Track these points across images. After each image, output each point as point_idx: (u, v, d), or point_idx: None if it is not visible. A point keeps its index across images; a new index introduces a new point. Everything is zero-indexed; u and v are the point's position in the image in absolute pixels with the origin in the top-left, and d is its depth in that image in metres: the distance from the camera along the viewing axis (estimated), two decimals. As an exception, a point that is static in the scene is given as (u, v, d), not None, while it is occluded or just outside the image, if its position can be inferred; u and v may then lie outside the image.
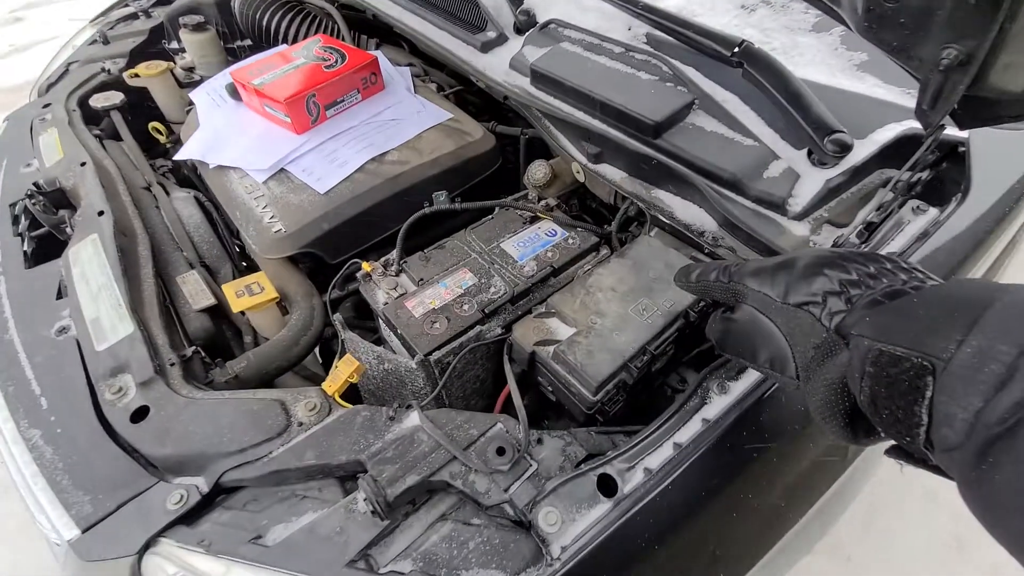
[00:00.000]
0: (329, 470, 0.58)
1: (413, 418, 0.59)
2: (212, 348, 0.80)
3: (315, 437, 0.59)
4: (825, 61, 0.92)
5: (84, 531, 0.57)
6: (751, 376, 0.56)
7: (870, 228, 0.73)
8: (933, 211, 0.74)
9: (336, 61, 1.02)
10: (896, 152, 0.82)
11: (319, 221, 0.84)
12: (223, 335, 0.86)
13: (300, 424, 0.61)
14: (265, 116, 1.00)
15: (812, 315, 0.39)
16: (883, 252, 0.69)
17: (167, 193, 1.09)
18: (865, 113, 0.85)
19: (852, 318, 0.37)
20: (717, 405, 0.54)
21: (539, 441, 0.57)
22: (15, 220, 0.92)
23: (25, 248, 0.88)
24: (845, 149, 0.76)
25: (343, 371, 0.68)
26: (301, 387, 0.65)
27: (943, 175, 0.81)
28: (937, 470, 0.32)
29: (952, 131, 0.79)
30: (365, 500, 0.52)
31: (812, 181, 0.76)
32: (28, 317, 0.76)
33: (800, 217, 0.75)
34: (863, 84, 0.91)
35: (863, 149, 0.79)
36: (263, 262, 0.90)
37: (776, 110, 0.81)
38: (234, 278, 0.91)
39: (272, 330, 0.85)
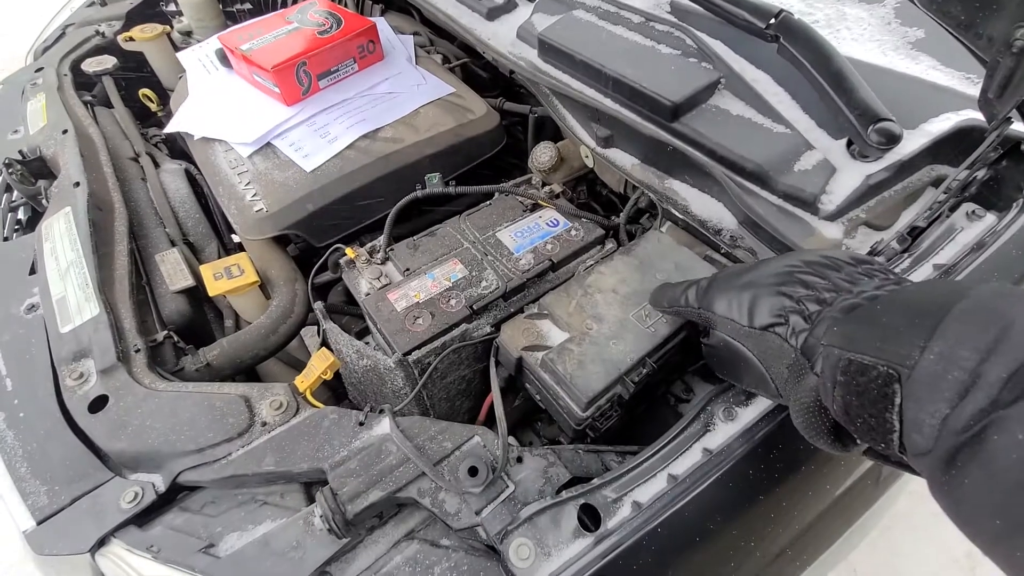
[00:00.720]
0: (290, 477, 0.53)
1: (384, 425, 0.54)
2: (189, 332, 0.76)
3: (277, 440, 0.54)
4: (875, 37, 0.81)
5: (39, 523, 0.54)
6: (762, 403, 0.49)
7: (914, 234, 0.64)
8: (990, 217, 0.64)
9: (331, 27, 0.95)
10: (951, 147, 0.72)
11: (303, 201, 0.79)
12: (203, 318, 0.82)
13: (263, 424, 0.56)
14: (254, 85, 0.94)
15: (779, 336, 0.40)
16: (932, 261, 0.61)
17: (156, 165, 1.04)
18: (917, 99, 0.74)
19: (820, 330, 0.37)
20: (722, 433, 0.47)
21: (519, 459, 0.51)
22: (-4, 189, 0.89)
23: (1, 218, 0.84)
24: (892, 140, 0.66)
25: (316, 366, 0.63)
26: (269, 383, 0.60)
27: (1003, 175, 0.71)
28: (911, 469, 0.33)
29: (1018, 125, 0.69)
30: (321, 517, 0.47)
31: (850, 176, 0.67)
32: (0, 292, 0.73)
33: (833, 217, 0.66)
34: (917, 65, 0.80)
35: (912, 141, 0.69)
36: (246, 242, 0.85)
37: (814, 93, 0.71)
38: (220, 258, 0.87)
39: (255, 315, 0.81)
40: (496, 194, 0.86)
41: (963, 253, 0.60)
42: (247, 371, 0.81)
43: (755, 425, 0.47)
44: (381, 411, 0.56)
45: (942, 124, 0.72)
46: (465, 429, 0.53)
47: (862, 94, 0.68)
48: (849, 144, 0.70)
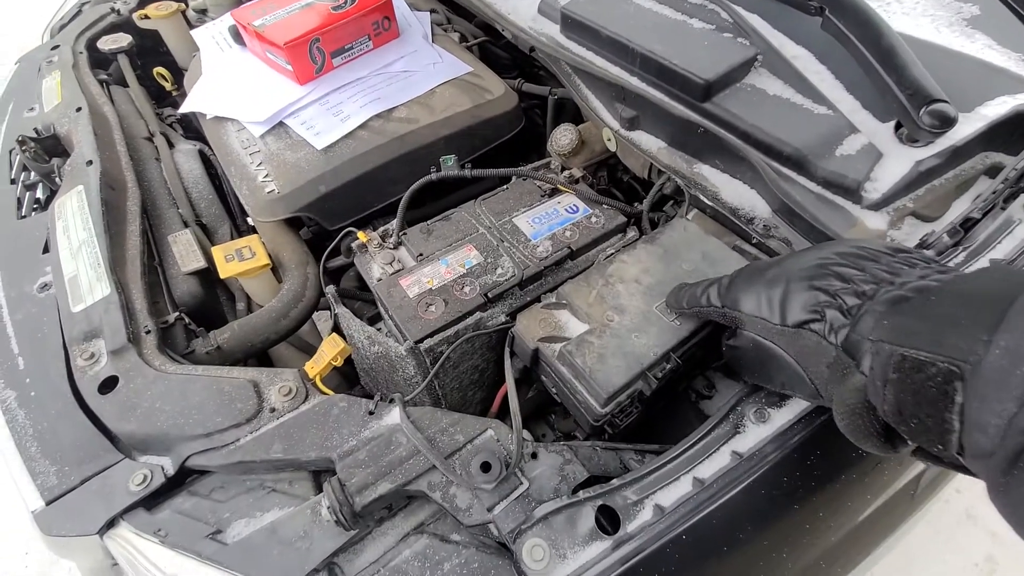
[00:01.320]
0: (299, 464, 0.52)
1: (394, 416, 0.52)
2: (201, 314, 0.75)
3: (285, 427, 0.53)
4: (928, 12, 0.75)
5: (48, 503, 0.54)
6: (797, 405, 0.46)
7: (967, 226, 0.59)
8: (1053, 208, 0.59)
9: (346, 2, 0.91)
10: (1007, 132, 0.66)
11: (315, 183, 0.76)
12: (214, 301, 0.81)
13: (272, 410, 0.55)
14: (267, 63, 0.92)
15: (816, 333, 0.38)
16: (988, 256, 0.56)
17: (171, 145, 1.03)
18: (972, 80, 0.69)
19: (865, 325, 0.35)
20: (752, 436, 0.44)
21: (534, 455, 0.49)
22: (12, 167, 0.89)
23: (19, 196, 0.84)
24: (946, 124, 0.61)
25: (327, 352, 0.62)
26: (279, 368, 0.58)
27: (1067, 163, 0.65)
28: (965, 470, 0.31)
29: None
30: (329, 508, 0.46)
31: (898, 162, 0.62)
32: (14, 271, 0.73)
33: (878, 206, 0.61)
34: (972, 44, 0.74)
35: (967, 126, 0.64)
36: (259, 224, 0.83)
37: (860, 71, 0.66)
38: (232, 239, 0.86)
39: (267, 298, 0.80)
40: (513, 178, 0.83)
41: (1022, 248, 0.55)
42: (258, 355, 0.80)
43: (790, 428, 0.44)
44: (391, 400, 0.54)
45: (998, 108, 0.66)
46: (478, 422, 0.51)
47: (914, 72, 0.62)
48: (897, 127, 0.65)
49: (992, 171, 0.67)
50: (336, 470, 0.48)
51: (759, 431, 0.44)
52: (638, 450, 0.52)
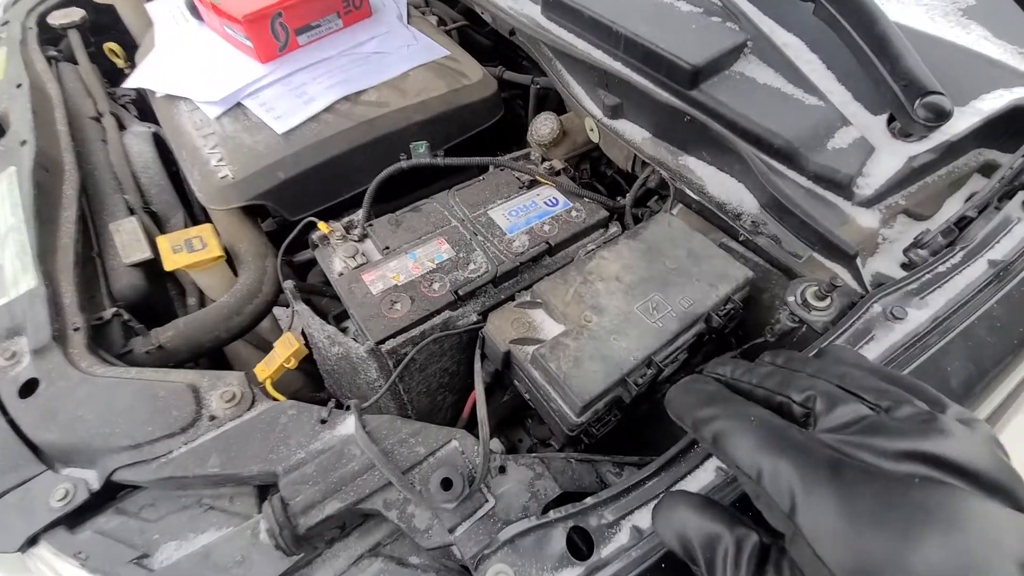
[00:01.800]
0: (239, 480, 0.47)
1: (348, 425, 0.47)
2: (146, 310, 0.69)
3: (225, 438, 0.47)
4: (922, 1, 0.72)
5: (-37, 518, 0.48)
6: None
7: (961, 224, 0.56)
8: (1050, 207, 0.57)
9: (313, -24, 0.85)
10: (1002, 128, 0.64)
11: (274, 168, 0.71)
12: (162, 296, 0.74)
13: (212, 419, 0.49)
14: (226, 39, 0.85)
15: None
16: (987, 256, 0.53)
17: (122, 127, 0.95)
18: (967, 73, 0.66)
19: None
20: (739, 449, 0.40)
21: (502, 469, 0.44)
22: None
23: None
24: (941, 117, 0.58)
25: (279, 354, 0.56)
26: (224, 372, 0.53)
27: (1062, 161, 0.63)
28: None
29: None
30: (268, 531, 0.40)
31: (891, 157, 0.59)
32: (-67, 259, 0.65)
33: (870, 203, 0.58)
34: (967, 35, 0.71)
35: (961, 120, 0.61)
36: (214, 214, 0.77)
37: (852, 61, 0.63)
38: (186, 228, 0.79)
39: (221, 293, 0.73)
40: (490, 168, 0.78)
41: (1021, 248, 0.52)
42: (211, 355, 0.74)
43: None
44: (347, 408, 0.49)
45: (994, 102, 0.64)
46: (442, 432, 0.47)
47: (909, 63, 0.59)
48: (890, 121, 0.62)
49: (985, 169, 0.65)
50: (279, 487, 0.43)
51: (746, 444, 0.40)
52: (616, 462, 0.48)
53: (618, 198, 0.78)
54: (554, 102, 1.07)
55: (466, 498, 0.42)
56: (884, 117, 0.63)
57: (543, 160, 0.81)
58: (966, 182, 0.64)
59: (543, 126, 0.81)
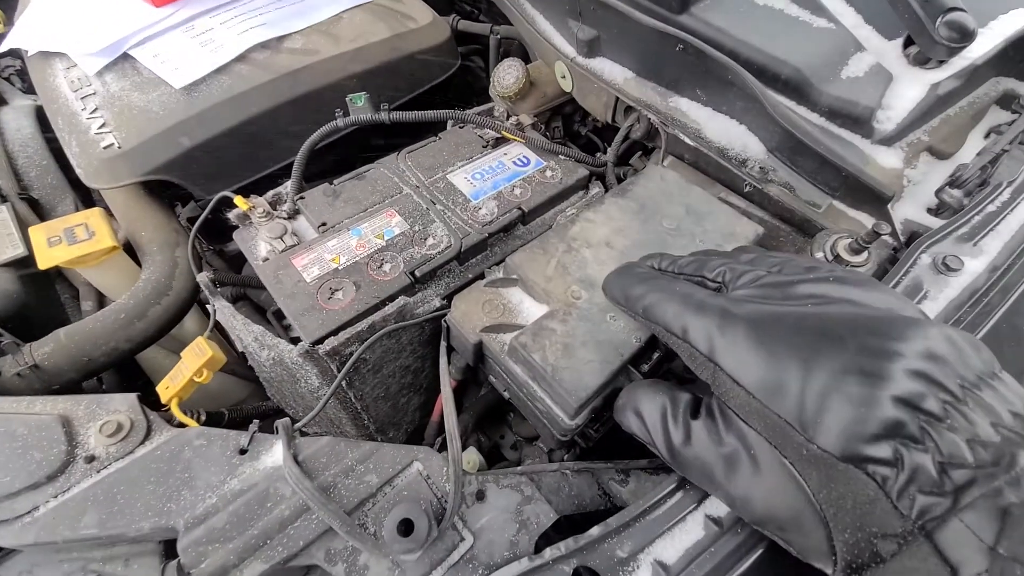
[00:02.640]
0: (128, 541, 0.35)
1: (276, 454, 0.36)
2: (22, 321, 0.55)
3: (106, 486, 0.35)
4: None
5: None
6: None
7: (996, 162, 0.49)
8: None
9: (214, -103, 0.69)
10: (1021, 51, 0.57)
11: (174, 133, 0.56)
12: (47, 300, 0.60)
13: (90, 460, 0.37)
14: (109, -22, 0.68)
15: (875, 483, 0.23)
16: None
17: (3, 101, 0.78)
18: (984, -10, 0.58)
19: (983, 519, 0.21)
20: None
21: (480, 496, 0.34)
22: None
23: None
24: (965, 37, 0.50)
25: (188, 365, 0.44)
26: (109, 396, 0.40)
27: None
28: None
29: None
30: (160, 616, 0.29)
31: (911, 86, 0.51)
32: None
33: (891, 141, 0.50)
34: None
35: (983, 42, 0.53)
36: (107, 195, 0.62)
37: (862, -23, 0.54)
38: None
39: (123, 292, 0.60)
40: (448, 124, 0.66)
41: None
42: (120, 370, 0.61)
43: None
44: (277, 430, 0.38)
45: (1014, 22, 0.56)
46: (400, 453, 0.36)
47: None
48: (907, 44, 0.54)
49: (1004, 99, 0.58)
50: (177, 549, 0.32)
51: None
52: (620, 469, 0.39)
53: (598, 154, 0.68)
54: (518, 55, 0.95)
55: (435, 540, 0.32)
56: (899, 42, 0.54)
57: (509, 116, 0.69)
58: (984, 114, 0.57)
59: (507, 74, 0.69)
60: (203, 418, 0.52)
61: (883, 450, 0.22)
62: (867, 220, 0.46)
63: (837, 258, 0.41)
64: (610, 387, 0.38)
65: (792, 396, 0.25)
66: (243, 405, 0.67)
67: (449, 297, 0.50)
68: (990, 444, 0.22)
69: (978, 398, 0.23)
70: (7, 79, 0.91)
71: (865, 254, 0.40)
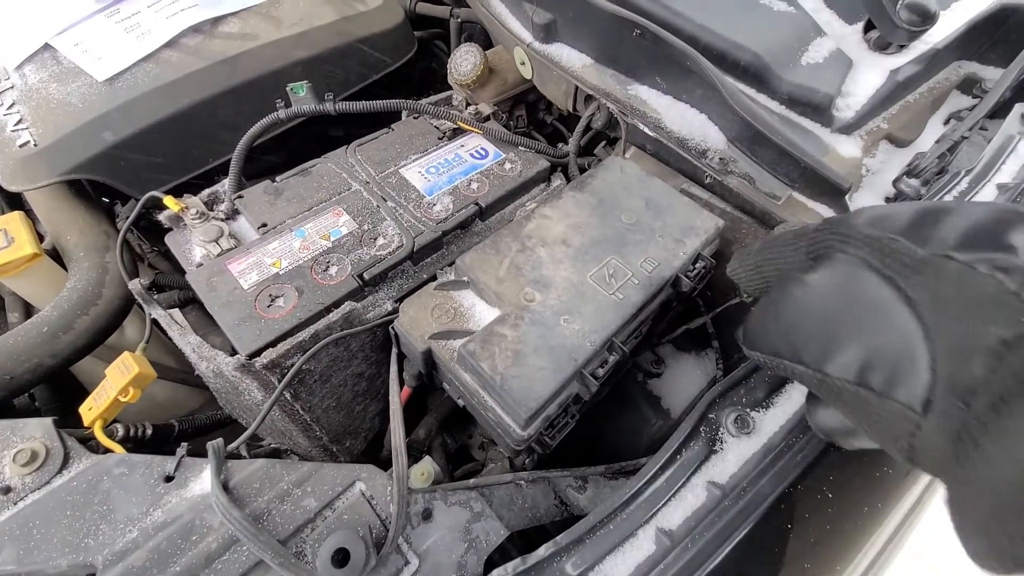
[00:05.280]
0: (45, 580, 0.32)
1: (205, 480, 0.34)
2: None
3: (21, 520, 0.32)
4: None
5: None
6: (792, 400, 0.33)
7: (954, 149, 0.48)
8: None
9: None
10: (982, 36, 0.56)
11: (95, 128, 0.52)
12: (-34, 312, 0.55)
13: (6, 491, 0.34)
14: (19, -45, 0.62)
15: (997, 282, 0.20)
16: (994, 181, 0.45)
17: None
18: (946, -29, 0.57)
19: None
20: (734, 456, 0.31)
21: (426, 516, 0.33)
22: None
23: None
24: (927, 21, 0.49)
25: (112, 383, 0.41)
26: (21, 421, 0.37)
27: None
28: None
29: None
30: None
31: (870, 72, 0.50)
32: None
33: (850, 129, 0.49)
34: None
35: (943, 26, 0.53)
36: (28, 196, 0.57)
37: (823, -42, 0.53)
38: None
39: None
40: (403, 115, 0.63)
41: (1025, 169, 0.45)
42: (52, 382, 0.57)
43: (788, 439, 0.31)
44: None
45: (976, 5, 0.56)
46: (341, 473, 0.34)
47: None
48: (867, 29, 0.53)
49: (965, 84, 0.57)
50: (94, 590, 0.29)
51: (742, 448, 0.31)
52: (578, 476, 0.38)
53: (560, 145, 0.66)
54: (481, 40, 0.91)
55: (376, 567, 0.30)
56: (859, 26, 0.53)
57: (468, 104, 0.66)
58: (944, 100, 0.57)
59: (464, 61, 0.66)
60: (148, 432, 0.49)
61: (1006, 254, 0.20)
62: (826, 211, 0.45)
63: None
64: (563, 392, 0.37)
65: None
66: (196, 415, 0.63)
67: (402, 299, 0.47)
68: None
69: None
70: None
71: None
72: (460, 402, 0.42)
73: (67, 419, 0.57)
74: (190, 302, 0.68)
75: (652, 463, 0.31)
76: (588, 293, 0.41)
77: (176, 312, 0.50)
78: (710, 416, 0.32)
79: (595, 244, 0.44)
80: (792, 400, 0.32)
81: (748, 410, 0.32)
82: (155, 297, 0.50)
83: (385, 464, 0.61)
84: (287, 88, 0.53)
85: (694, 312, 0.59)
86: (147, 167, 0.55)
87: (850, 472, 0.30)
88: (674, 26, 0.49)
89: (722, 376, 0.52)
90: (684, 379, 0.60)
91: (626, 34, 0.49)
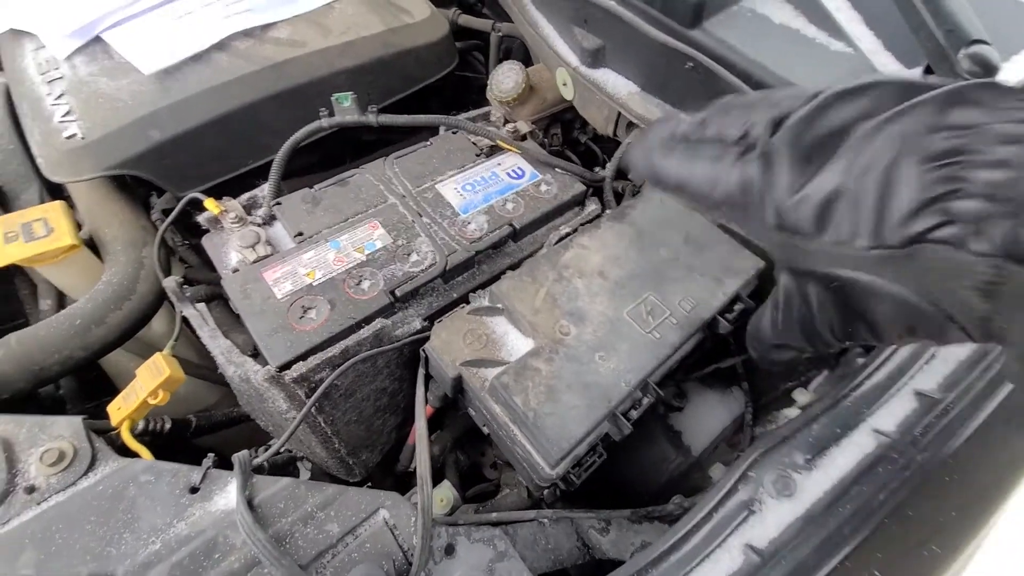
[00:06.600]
0: (65, 584, 0.32)
1: (230, 494, 0.33)
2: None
3: (45, 522, 0.32)
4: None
5: None
6: (840, 461, 0.31)
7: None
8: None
9: None
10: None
11: (143, 126, 0.53)
12: (5, 297, 0.56)
13: (30, 490, 0.34)
14: (81, -50, 0.63)
15: (946, 245, 0.22)
16: None
17: None
18: (1010, 20, 0.56)
19: None
20: (775, 519, 0.30)
21: (448, 551, 0.32)
22: None
23: None
24: (988, 72, 0.47)
25: (142, 384, 0.41)
26: (51, 418, 0.37)
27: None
28: None
29: None
30: None
31: (928, 120, 0.48)
32: None
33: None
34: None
35: (1004, 77, 0.51)
36: (71, 188, 0.58)
37: (885, 0, 0.51)
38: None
39: (85, 292, 0.56)
40: (441, 130, 0.63)
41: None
42: (79, 374, 0.57)
43: (835, 505, 0.29)
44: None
45: (1037, 56, 0.54)
46: (365, 499, 0.33)
47: (954, 5, 0.49)
48: (926, 73, 0.51)
49: None
50: (115, 603, 0.29)
51: (782, 511, 0.30)
52: (602, 518, 0.37)
53: (596, 169, 0.65)
54: (520, 55, 0.91)
55: (397, 603, 0.29)
56: (918, 71, 0.52)
57: (506, 121, 0.66)
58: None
59: (506, 78, 0.66)
60: (167, 427, 0.50)
61: (933, 220, 0.22)
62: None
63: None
64: (595, 433, 0.36)
65: (862, 220, 0.24)
66: (213, 412, 0.63)
67: (431, 318, 0.47)
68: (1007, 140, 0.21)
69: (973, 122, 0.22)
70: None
71: (872, 305, 0.38)
72: (485, 429, 0.42)
73: (89, 407, 0.58)
74: (216, 297, 0.69)
75: (687, 519, 0.30)
76: (624, 330, 0.40)
77: (204, 309, 0.50)
78: (750, 474, 0.31)
79: (633, 278, 0.43)
80: (837, 464, 0.31)
81: (790, 471, 0.31)
82: (187, 295, 0.50)
83: (400, 478, 0.61)
84: (332, 98, 0.53)
85: (723, 348, 0.58)
86: (188, 166, 0.56)
87: (900, 551, 0.29)
88: (727, 61, 0.49)
89: (752, 420, 0.51)
90: (707, 416, 0.59)
91: (677, 66, 0.48)
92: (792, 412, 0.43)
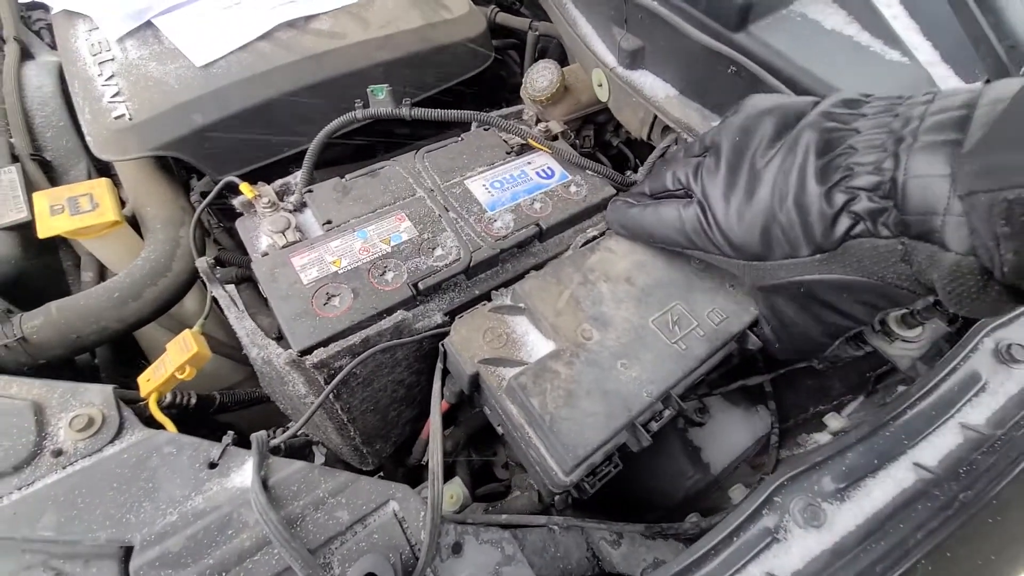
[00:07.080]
0: (78, 553, 0.33)
1: (245, 473, 0.34)
2: (20, 288, 0.54)
3: (68, 485, 0.34)
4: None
5: None
6: (879, 487, 0.30)
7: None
8: None
9: None
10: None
11: (187, 110, 0.54)
12: (50, 267, 0.59)
13: (57, 454, 0.35)
14: (140, -61, 0.66)
15: (867, 236, 0.31)
16: None
17: (29, 56, 0.77)
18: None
19: (938, 191, 0.28)
20: (800, 550, 0.28)
21: (456, 549, 0.32)
22: None
23: None
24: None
25: (171, 359, 0.42)
26: (85, 385, 0.38)
27: None
28: None
29: None
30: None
31: (988, 137, 0.46)
32: None
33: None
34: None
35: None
36: (117, 165, 0.61)
37: (945, 10, 0.49)
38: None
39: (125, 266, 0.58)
40: (472, 126, 0.63)
41: None
42: (114, 344, 0.60)
43: (867, 540, 0.28)
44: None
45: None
46: (376, 489, 0.33)
47: (1015, 20, 0.46)
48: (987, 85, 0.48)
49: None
50: (128, 570, 0.30)
51: (809, 542, 0.28)
52: (614, 532, 0.36)
53: (628, 172, 0.64)
54: (556, 54, 0.90)
55: (402, 597, 0.29)
56: (978, 86, 0.49)
57: (538, 120, 0.65)
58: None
59: (541, 76, 0.65)
60: (193, 401, 0.51)
61: (848, 220, 0.30)
62: (920, 284, 0.41)
63: (885, 327, 0.37)
64: (612, 442, 0.35)
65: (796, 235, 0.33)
66: (236, 390, 0.65)
67: (452, 313, 0.47)
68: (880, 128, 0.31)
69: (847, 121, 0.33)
70: (37, 33, 0.90)
71: (919, 329, 0.36)
72: (499, 429, 0.41)
73: (120, 374, 0.60)
74: (246, 280, 0.71)
75: (705, 540, 0.29)
76: (649, 339, 0.39)
77: (233, 290, 0.51)
78: (776, 499, 0.30)
79: (660, 286, 0.42)
80: (872, 497, 0.29)
81: (820, 500, 0.29)
82: (217, 275, 0.51)
83: (411, 471, 0.61)
84: (368, 90, 0.54)
85: (751, 364, 0.56)
86: (227, 150, 0.58)
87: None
88: (772, 66, 0.47)
89: (778, 443, 0.49)
90: (729, 434, 0.57)
91: (720, 70, 0.47)
92: (823, 437, 0.41)
